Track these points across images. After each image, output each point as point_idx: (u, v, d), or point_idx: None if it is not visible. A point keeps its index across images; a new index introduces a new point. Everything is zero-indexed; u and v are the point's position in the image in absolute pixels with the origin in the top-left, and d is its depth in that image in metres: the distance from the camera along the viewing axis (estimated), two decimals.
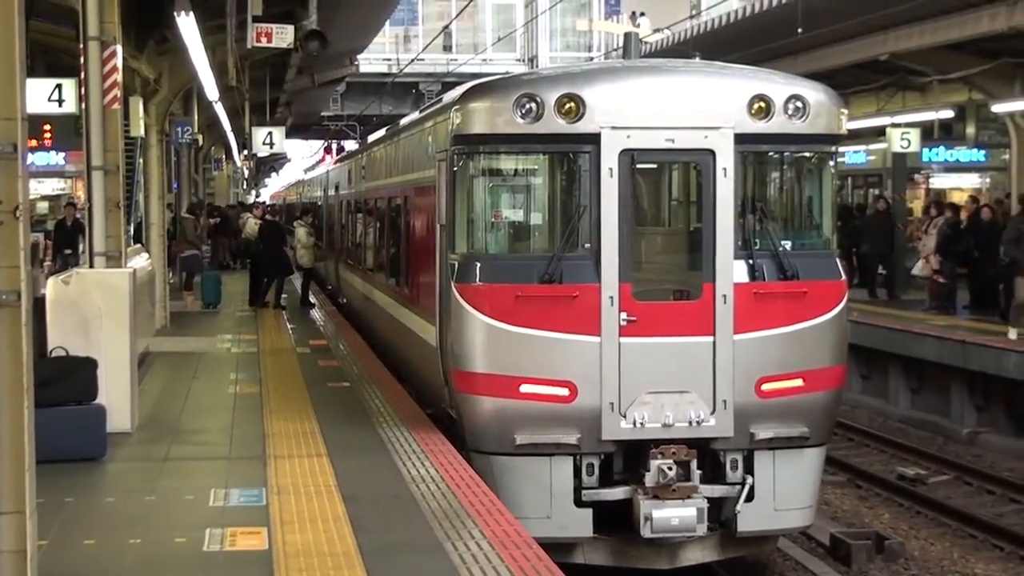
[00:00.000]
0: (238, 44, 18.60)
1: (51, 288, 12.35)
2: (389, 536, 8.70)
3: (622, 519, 11.37)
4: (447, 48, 48.75)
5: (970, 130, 32.57)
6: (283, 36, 17.09)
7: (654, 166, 12.48)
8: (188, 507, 9.59)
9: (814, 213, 12.51)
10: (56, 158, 31.50)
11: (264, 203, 43.56)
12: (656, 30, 31.64)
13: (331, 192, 29.49)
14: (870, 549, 13.84)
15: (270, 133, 30.36)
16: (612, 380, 11.26)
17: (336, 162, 33.52)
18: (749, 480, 11.56)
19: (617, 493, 11.41)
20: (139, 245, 21.32)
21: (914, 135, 26.80)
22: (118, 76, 13.12)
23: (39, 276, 16.64)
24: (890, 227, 26.56)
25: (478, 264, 11.58)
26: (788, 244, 11.93)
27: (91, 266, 13.06)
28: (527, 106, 11.32)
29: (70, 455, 10.82)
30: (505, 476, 11.34)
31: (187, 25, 16.21)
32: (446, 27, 42.66)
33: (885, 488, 17.19)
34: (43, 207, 33.54)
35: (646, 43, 30.19)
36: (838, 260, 12.26)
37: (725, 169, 11.49)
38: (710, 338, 11.40)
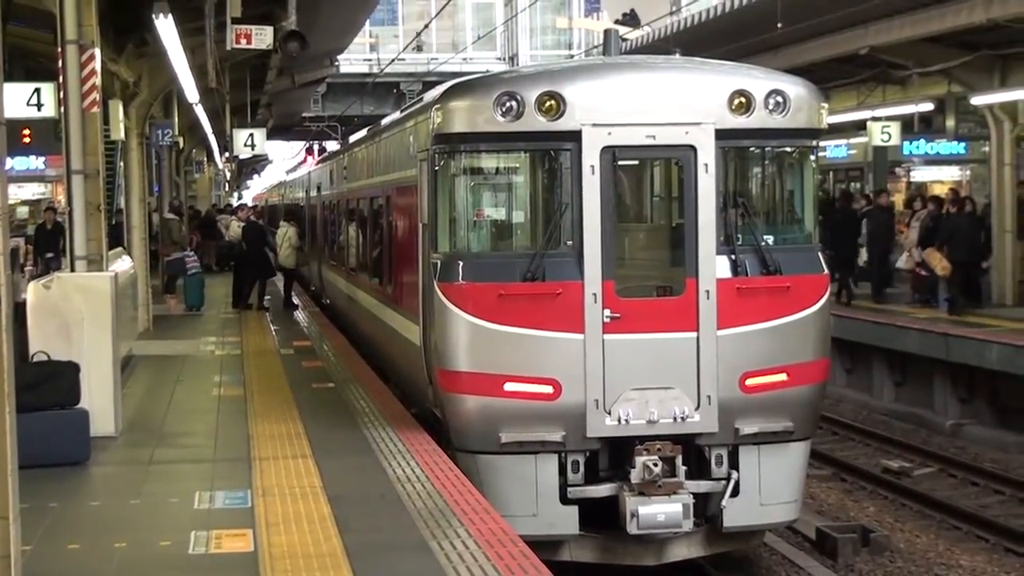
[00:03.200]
0: (218, 46, 18.56)
1: (32, 293, 12.28)
2: (375, 536, 8.69)
3: (608, 516, 11.37)
4: (418, 48, 48.58)
5: (950, 123, 32.56)
6: (262, 37, 17.03)
7: (635, 162, 12.48)
8: (173, 510, 9.57)
9: (796, 208, 12.53)
10: (36, 162, 31.38)
11: (248, 205, 43.43)
12: (624, 17, 31.50)
13: (313, 193, 29.43)
14: (856, 542, 13.89)
15: (251, 135, 30.24)
16: (596, 377, 11.26)
17: (318, 163, 33.46)
18: (734, 475, 11.57)
19: (603, 490, 11.41)
20: (120, 248, 21.24)
21: (894, 128, 26.82)
22: (97, 79, 13.07)
23: (20, 281, 16.59)
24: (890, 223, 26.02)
25: (460, 263, 11.56)
26: (770, 239, 11.95)
27: (72, 270, 13.01)
28: (507, 104, 11.31)
29: (54, 460, 10.78)
30: (490, 475, 11.33)
31: (166, 27, 16.15)
32: (426, 26, 42.58)
33: (870, 481, 17.24)
34: (23, 211, 33.43)
35: (626, 39, 30.17)
36: (820, 254, 12.28)
37: (706, 165, 11.49)
38: (693, 334, 11.41)
